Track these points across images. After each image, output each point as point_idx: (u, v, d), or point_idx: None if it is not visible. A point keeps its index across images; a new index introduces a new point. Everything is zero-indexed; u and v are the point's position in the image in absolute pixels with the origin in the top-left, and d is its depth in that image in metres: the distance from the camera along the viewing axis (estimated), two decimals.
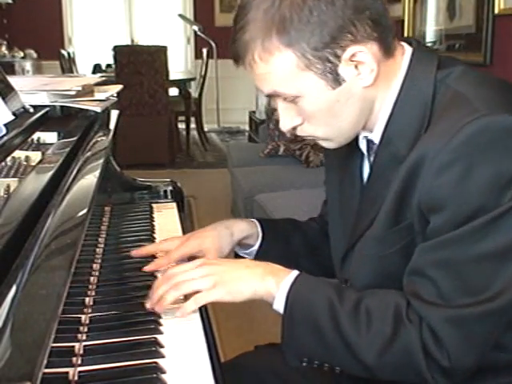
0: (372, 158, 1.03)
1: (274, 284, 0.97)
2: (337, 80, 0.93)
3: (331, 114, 0.96)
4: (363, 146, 1.06)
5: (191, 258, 1.14)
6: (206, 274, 0.99)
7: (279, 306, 0.96)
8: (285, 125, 1.00)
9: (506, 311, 0.89)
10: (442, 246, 0.88)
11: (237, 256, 1.25)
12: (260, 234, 1.21)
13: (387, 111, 0.98)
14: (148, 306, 1.00)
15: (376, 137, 1.01)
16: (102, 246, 1.28)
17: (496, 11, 3.01)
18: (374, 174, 1.02)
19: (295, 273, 0.98)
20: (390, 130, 0.98)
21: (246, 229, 1.21)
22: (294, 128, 1.00)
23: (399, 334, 0.90)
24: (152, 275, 1.16)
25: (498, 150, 0.85)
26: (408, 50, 1.00)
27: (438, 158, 0.86)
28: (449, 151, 0.86)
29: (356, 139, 1.06)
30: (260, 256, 1.20)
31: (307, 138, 1.03)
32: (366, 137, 1.04)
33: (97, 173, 1.11)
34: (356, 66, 0.93)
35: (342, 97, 0.94)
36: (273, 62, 0.92)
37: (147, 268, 1.15)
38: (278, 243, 1.23)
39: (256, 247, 1.22)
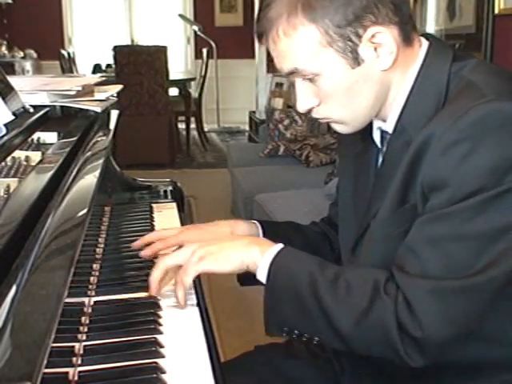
0: (385, 148, 1.05)
1: (258, 253, 1.00)
2: (356, 60, 0.95)
3: (348, 94, 0.97)
4: (377, 137, 1.08)
5: None
6: (191, 252, 1.02)
7: (262, 274, 0.99)
8: (302, 105, 1.01)
9: (488, 289, 0.89)
10: (433, 221, 0.90)
11: None
12: (261, 237, 1.21)
13: (401, 101, 1.00)
14: (150, 292, 1.05)
15: (389, 126, 1.02)
16: (102, 246, 1.28)
17: (496, 11, 3.01)
18: (386, 161, 1.03)
19: (280, 245, 1.01)
20: (404, 119, 0.99)
21: (246, 230, 1.21)
22: (310, 110, 1.02)
23: (374, 305, 0.91)
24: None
25: (503, 135, 0.87)
26: (425, 43, 1.02)
27: (444, 137, 0.88)
28: (455, 131, 0.87)
29: (370, 131, 1.07)
30: None
31: (323, 120, 1.04)
32: (379, 128, 1.06)
33: (97, 173, 1.11)
34: (375, 49, 0.95)
35: (360, 78, 0.96)
36: (296, 37, 0.94)
37: (144, 252, 1.18)
38: None
39: None
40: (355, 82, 0.96)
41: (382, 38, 0.95)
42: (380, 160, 1.08)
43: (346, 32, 0.93)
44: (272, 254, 0.99)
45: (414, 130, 0.96)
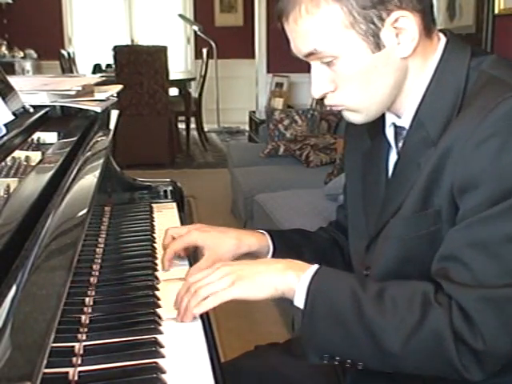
0: (400, 144, 1.02)
1: (294, 277, 0.95)
2: (377, 44, 0.93)
3: (366, 79, 0.95)
4: (391, 134, 1.05)
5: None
6: (224, 274, 0.97)
7: (300, 300, 0.94)
8: (317, 90, 0.98)
9: None
10: (475, 225, 0.86)
11: None
12: (271, 248, 1.19)
13: (419, 94, 0.98)
14: (178, 319, 0.99)
15: (405, 122, 1.00)
16: (102, 246, 1.28)
17: (496, 11, 3.01)
18: (402, 158, 1.01)
19: (315, 266, 0.96)
20: (422, 114, 0.97)
21: (255, 244, 1.18)
22: (325, 96, 0.99)
23: (427, 317, 0.86)
24: (152, 275, 1.16)
25: None
26: (443, 38, 1.00)
27: (475, 133, 0.85)
28: (485, 127, 0.85)
29: (383, 129, 1.05)
30: None
31: (335, 108, 1.01)
32: (393, 123, 1.04)
33: (97, 173, 1.11)
34: (397, 35, 0.93)
35: (379, 63, 0.94)
36: (319, 16, 0.92)
37: (163, 265, 1.19)
38: (290, 256, 1.18)
39: None
40: (374, 67, 0.94)
41: (405, 22, 0.93)
42: (391, 157, 1.06)
43: (369, 14, 0.91)
44: (308, 277, 0.94)
45: (431, 125, 0.95)
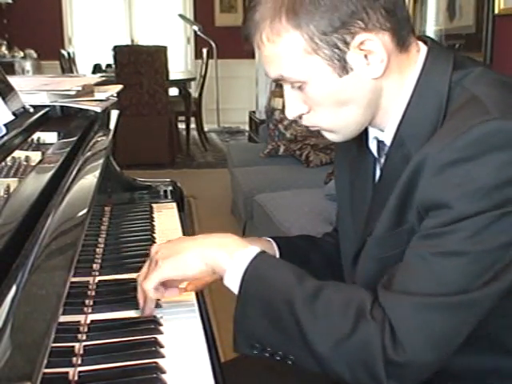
0: (383, 160, 1.01)
1: (225, 255, 0.93)
2: (344, 68, 0.90)
3: (337, 103, 0.93)
4: (374, 147, 1.03)
5: None
6: (152, 256, 0.99)
7: (232, 281, 0.93)
8: (290, 112, 0.98)
9: (485, 305, 0.84)
10: (428, 237, 0.86)
11: None
12: (277, 255, 1.16)
13: (399, 111, 0.95)
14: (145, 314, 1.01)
15: (387, 137, 0.98)
16: (102, 246, 1.28)
17: (496, 11, 3.01)
18: (384, 175, 0.99)
19: (255, 248, 0.94)
20: (403, 131, 0.95)
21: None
22: (300, 117, 0.98)
23: (359, 328, 0.85)
24: None
25: (506, 154, 0.81)
26: (423, 48, 0.97)
27: (441, 155, 0.84)
28: (453, 149, 0.83)
29: (366, 139, 1.03)
30: None
31: (312, 128, 1.00)
32: (376, 137, 1.02)
33: (97, 173, 1.11)
34: (366, 56, 0.90)
35: (348, 86, 0.92)
36: (280, 44, 0.91)
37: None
38: (297, 263, 1.15)
39: None
40: (343, 91, 0.92)
41: (371, 45, 0.90)
42: (378, 172, 1.04)
43: (332, 39, 0.89)
44: (246, 259, 0.92)
45: (412, 144, 0.92)
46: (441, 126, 0.90)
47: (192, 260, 0.95)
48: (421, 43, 0.98)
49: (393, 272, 0.89)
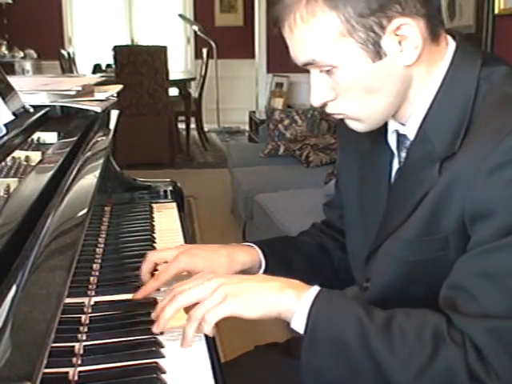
0: (403, 154, 0.99)
1: (293, 297, 0.89)
2: (378, 53, 0.88)
3: (366, 89, 0.90)
4: (393, 141, 1.01)
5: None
6: (215, 288, 0.90)
7: (299, 323, 0.88)
8: (316, 99, 0.94)
9: None
10: (485, 255, 0.82)
11: None
12: (263, 262, 1.14)
13: (425, 105, 0.93)
14: (154, 329, 0.92)
15: (409, 131, 0.96)
16: (102, 246, 1.28)
17: (496, 11, 3.02)
18: (405, 171, 0.97)
19: (316, 287, 0.90)
20: (428, 126, 0.92)
21: (247, 261, 1.12)
22: (325, 104, 0.95)
23: (440, 353, 0.81)
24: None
25: None
26: (451, 42, 0.95)
27: (489, 160, 0.81)
28: (501, 153, 0.81)
29: (385, 133, 1.01)
30: None
31: (337, 116, 0.97)
32: (396, 130, 0.99)
33: (97, 173, 1.11)
34: (400, 42, 0.88)
35: (380, 72, 0.89)
36: (314, 25, 0.87)
37: (136, 295, 1.05)
38: (281, 267, 1.15)
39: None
40: (375, 77, 0.89)
41: (407, 30, 0.87)
42: (394, 164, 1.02)
43: (368, 22, 0.86)
44: (309, 299, 0.88)
45: (437, 140, 0.90)
46: (468, 122, 0.88)
47: (261, 303, 0.89)
48: (449, 38, 0.96)
49: (454, 292, 0.85)
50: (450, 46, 0.95)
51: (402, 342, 0.83)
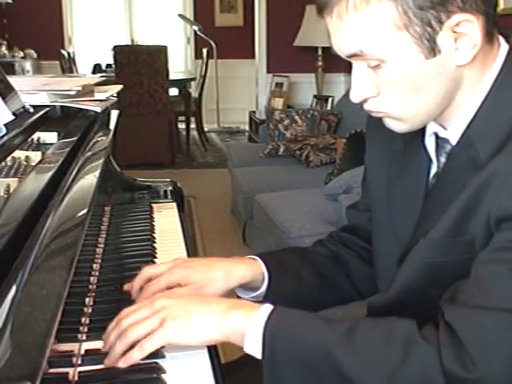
0: (442, 159, 0.94)
1: (242, 318, 0.84)
2: (432, 49, 0.82)
3: (414, 87, 0.85)
4: (431, 144, 0.96)
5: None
6: (153, 312, 0.86)
7: (253, 345, 0.83)
8: (357, 95, 0.88)
9: None
10: (504, 251, 0.79)
11: None
12: (266, 275, 1.08)
13: (472, 108, 0.88)
14: (106, 362, 0.86)
15: (452, 136, 0.91)
16: (102, 246, 1.28)
17: (496, 11, 3.01)
18: (446, 176, 0.92)
19: (268, 306, 0.85)
20: (473, 132, 0.87)
21: (247, 274, 1.07)
22: (366, 100, 0.89)
23: (411, 354, 0.78)
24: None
25: None
26: (504, 44, 0.90)
27: None
28: None
29: (422, 136, 0.97)
30: (269, 298, 1.06)
31: (377, 114, 0.91)
32: (435, 133, 0.94)
33: (97, 173, 1.11)
34: (455, 40, 0.83)
35: (432, 70, 0.83)
36: (368, 14, 0.81)
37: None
38: (289, 281, 1.11)
39: (263, 289, 1.09)
40: (425, 75, 0.83)
41: (467, 27, 0.82)
42: (433, 170, 0.97)
43: (427, 15, 0.80)
44: (262, 319, 0.83)
45: (482, 146, 0.85)
46: None
47: (203, 327, 0.84)
48: (502, 39, 0.91)
49: (460, 287, 0.83)
50: (502, 47, 0.90)
51: (366, 346, 0.79)
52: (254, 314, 0.84)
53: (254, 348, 0.83)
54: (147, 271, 1.06)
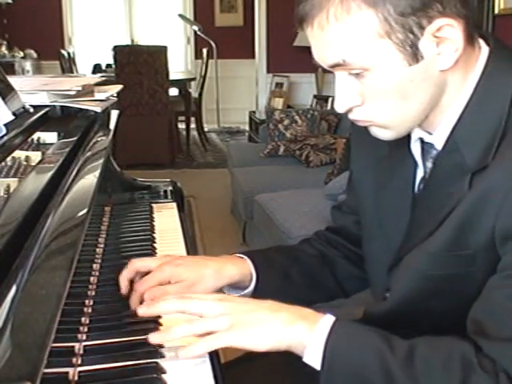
0: (429, 164, 0.94)
1: (305, 329, 0.84)
2: (415, 55, 0.82)
3: (399, 94, 0.84)
4: (416, 149, 0.96)
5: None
6: (222, 313, 0.87)
7: (313, 357, 0.83)
8: (341, 105, 0.88)
9: None
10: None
11: None
12: (254, 275, 1.09)
13: (456, 112, 0.88)
14: (152, 338, 0.88)
15: (437, 141, 0.91)
16: (102, 246, 1.28)
17: (496, 11, 3.01)
18: (432, 182, 0.92)
19: (330, 317, 0.85)
20: (458, 136, 0.87)
21: (235, 274, 1.07)
22: (350, 110, 0.88)
23: (469, 383, 0.76)
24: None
25: None
26: (484, 47, 0.89)
27: None
28: None
29: (407, 141, 0.96)
30: (257, 296, 1.06)
31: (363, 123, 0.91)
32: (420, 139, 0.94)
33: (97, 173, 1.11)
34: (437, 45, 0.82)
35: (416, 76, 0.83)
36: (349, 23, 0.81)
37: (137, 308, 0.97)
38: (276, 280, 1.12)
39: (251, 288, 1.10)
40: (409, 82, 0.83)
41: (449, 32, 0.81)
42: (418, 176, 0.97)
43: (408, 22, 0.80)
44: (324, 332, 0.83)
45: (468, 151, 0.85)
46: (502, 134, 0.83)
47: (268, 335, 0.84)
48: (482, 41, 0.90)
49: (484, 317, 0.81)
50: (482, 50, 0.89)
51: (427, 373, 0.78)
52: (316, 326, 0.84)
53: (314, 360, 0.84)
54: (136, 263, 1.07)
